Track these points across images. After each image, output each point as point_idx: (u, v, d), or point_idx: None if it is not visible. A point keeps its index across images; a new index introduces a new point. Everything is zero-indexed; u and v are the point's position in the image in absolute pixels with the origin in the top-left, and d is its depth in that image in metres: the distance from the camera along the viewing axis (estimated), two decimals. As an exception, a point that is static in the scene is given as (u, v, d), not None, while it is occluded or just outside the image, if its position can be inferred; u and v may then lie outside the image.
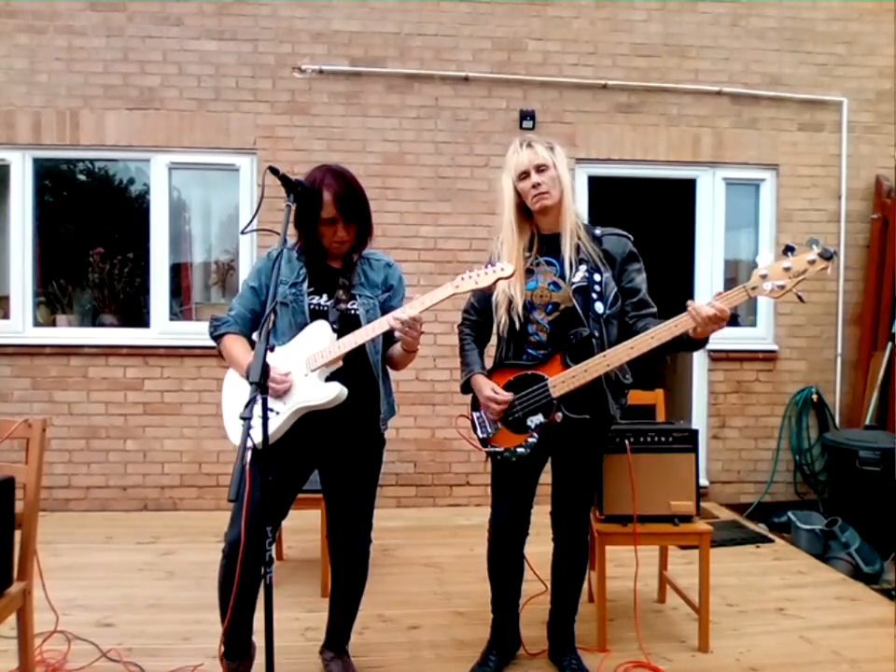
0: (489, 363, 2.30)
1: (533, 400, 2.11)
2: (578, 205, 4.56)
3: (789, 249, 1.83)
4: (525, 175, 2.14)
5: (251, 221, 2.06)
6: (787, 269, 1.83)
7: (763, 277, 1.85)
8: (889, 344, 4.52)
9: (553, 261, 2.17)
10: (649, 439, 2.52)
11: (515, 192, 2.17)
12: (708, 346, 4.88)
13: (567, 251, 2.13)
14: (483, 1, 4.46)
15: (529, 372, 2.13)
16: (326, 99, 4.41)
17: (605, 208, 4.98)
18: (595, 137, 4.58)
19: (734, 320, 4.86)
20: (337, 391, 1.95)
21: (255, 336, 2.18)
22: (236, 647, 2.05)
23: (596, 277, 2.12)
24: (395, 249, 4.26)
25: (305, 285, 2.08)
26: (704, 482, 4.59)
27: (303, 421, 1.99)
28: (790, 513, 4.08)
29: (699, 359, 4.73)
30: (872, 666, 2.40)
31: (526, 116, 4.49)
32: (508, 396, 2.12)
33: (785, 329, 4.75)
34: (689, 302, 1.92)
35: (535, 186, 2.12)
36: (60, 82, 4.27)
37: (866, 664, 2.41)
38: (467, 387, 2.26)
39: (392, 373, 2.28)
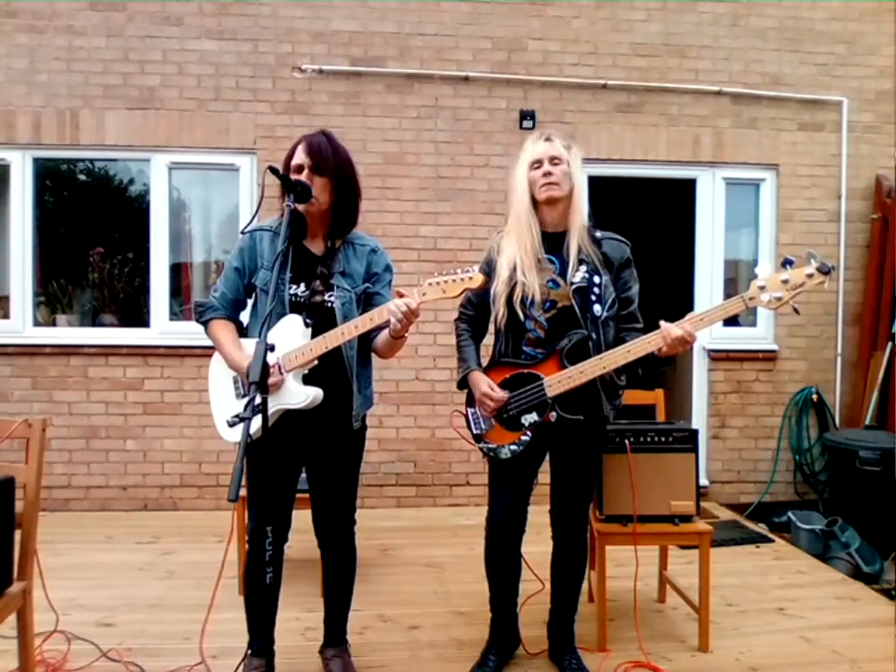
0: (485, 360, 2.30)
1: (528, 399, 2.12)
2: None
3: (787, 262, 1.87)
4: (538, 164, 2.15)
5: (251, 221, 2.07)
6: (785, 281, 1.87)
7: (762, 289, 1.90)
8: (889, 344, 4.52)
9: (553, 259, 2.17)
10: (649, 439, 2.52)
11: (528, 183, 2.17)
12: (708, 346, 4.92)
13: (573, 250, 2.14)
14: (483, 1, 4.46)
15: (525, 371, 2.14)
16: (326, 99, 4.41)
17: (605, 208, 4.97)
18: (595, 137, 4.58)
19: (734, 320, 4.87)
20: (313, 394, 1.95)
21: (242, 316, 2.17)
22: (260, 641, 2.07)
23: (596, 279, 2.13)
24: (395, 249, 4.26)
25: (288, 273, 2.04)
26: (704, 482, 4.59)
27: (280, 421, 1.99)
28: (790, 513, 4.08)
29: (699, 359, 4.73)
30: (872, 666, 2.40)
31: (526, 116, 4.49)
32: (503, 394, 2.13)
33: (785, 329, 4.75)
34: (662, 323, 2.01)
35: (546, 174, 2.12)
36: (60, 82, 4.27)
37: (866, 664, 2.41)
38: (463, 383, 2.26)
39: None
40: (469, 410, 2.25)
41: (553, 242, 2.19)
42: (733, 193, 4.78)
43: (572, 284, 2.12)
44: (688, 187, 4.77)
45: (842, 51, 4.75)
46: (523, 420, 2.13)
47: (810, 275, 1.84)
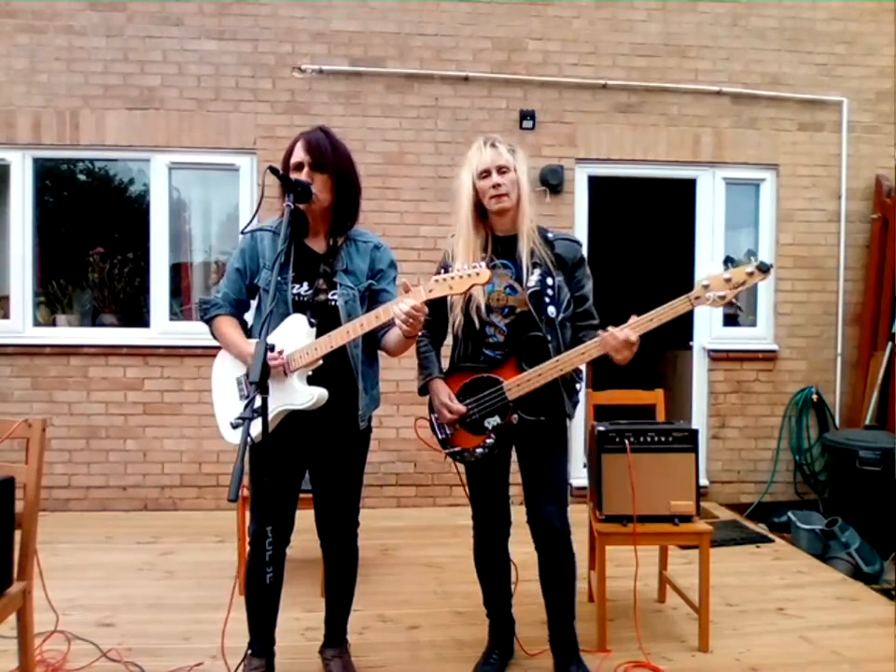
0: (445, 363, 2.30)
1: (489, 403, 2.13)
2: (577, 205, 4.60)
3: (729, 261, 1.97)
4: (486, 173, 2.14)
5: (251, 221, 2.06)
6: (727, 280, 1.94)
7: (706, 287, 1.96)
8: (889, 344, 4.52)
9: (509, 264, 2.17)
10: (649, 439, 2.52)
11: (474, 190, 2.17)
12: (708, 346, 4.92)
13: (525, 255, 2.14)
14: (483, 1, 4.46)
15: (485, 375, 2.15)
16: (326, 99, 4.42)
17: (605, 208, 4.98)
18: (595, 137, 4.58)
19: (734, 319, 4.87)
20: (318, 394, 1.93)
21: (247, 317, 2.17)
22: (260, 641, 2.07)
23: (549, 281, 2.14)
24: (395, 249, 4.18)
25: (290, 273, 2.03)
26: (704, 482, 4.59)
27: (285, 422, 1.99)
28: (790, 513, 4.08)
29: (699, 359, 4.73)
30: (872, 666, 2.40)
31: (526, 116, 4.49)
32: (461, 408, 2.14)
33: (785, 329, 4.74)
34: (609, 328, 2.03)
35: (495, 186, 2.13)
36: (60, 82, 4.27)
37: (866, 664, 2.41)
38: (424, 390, 2.27)
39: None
40: (432, 416, 2.26)
41: (506, 245, 2.19)
42: (733, 193, 4.78)
43: (528, 288, 2.12)
44: (688, 187, 4.77)
45: (842, 51, 4.75)
46: (486, 424, 2.14)
47: (750, 273, 1.92)
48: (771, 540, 3.85)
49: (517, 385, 2.09)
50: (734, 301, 1.98)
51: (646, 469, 2.48)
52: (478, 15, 4.46)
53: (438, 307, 2.20)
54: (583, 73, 4.55)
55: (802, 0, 4.71)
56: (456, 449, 2.19)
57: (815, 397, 4.70)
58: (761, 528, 4.18)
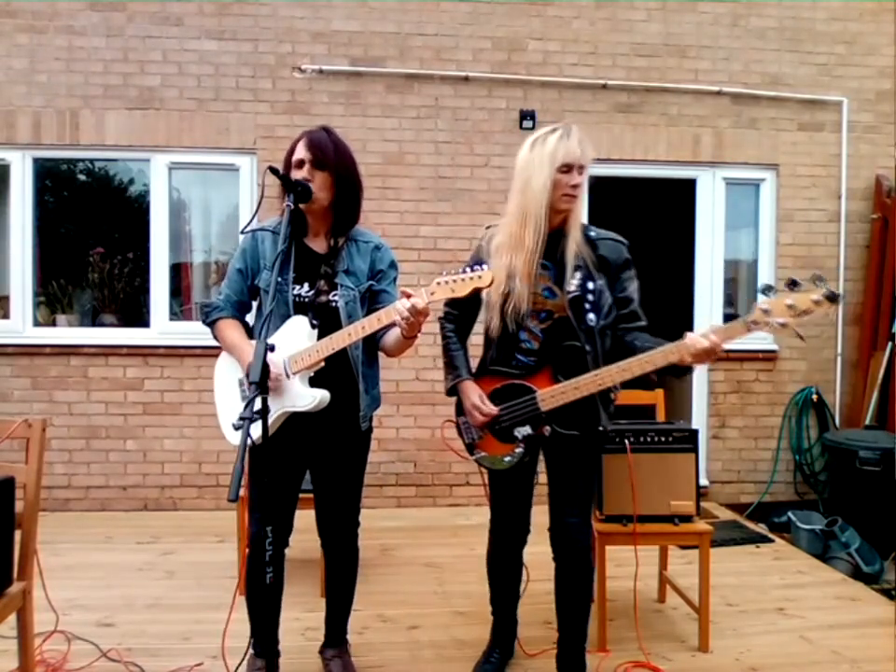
0: (474, 362, 2.21)
1: (521, 412, 2.04)
2: (577, 205, 4.59)
3: (793, 283, 1.74)
4: (568, 168, 1.96)
5: (251, 221, 2.06)
6: (790, 306, 1.74)
7: (766, 312, 1.77)
8: (889, 344, 4.52)
9: (548, 264, 2.04)
10: (649, 439, 2.52)
11: (552, 184, 1.97)
12: (708, 346, 4.85)
13: (569, 256, 2.01)
14: (483, 1, 4.46)
15: (517, 382, 2.06)
16: (326, 99, 4.41)
17: (605, 208, 4.97)
18: (595, 137, 4.56)
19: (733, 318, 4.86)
20: (320, 396, 1.93)
21: (248, 318, 2.17)
22: (262, 642, 2.09)
23: (590, 285, 2.01)
24: (395, 249, 4.18)
25: (290, 273, 2.02)
26: (704, 482, 4.59)
27: (287, 423, 1.98)
28: (790, 513, 4.08)
29: (699, 359, 4.72)
30: (872, 666, 2.40)
31: (526, 116, 4.49)
32: (493, 409, 2.05)
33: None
34: (687, 334, 1.86)
35: (574, 186, 1.98)
36: (60, 82, 4.27)
37: (866, 664, 2.41)
38: (453, 390, 2.18)
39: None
40: (459, 419, 2.19)
41: (549, 244, 2.03)
42: (733, 193, 4.78)
43: (568, 293, 1.99)
44: (688, 187, 4.77)
45: (842, 51, 4.75)
46: (516, 433, 2.05)
47: (817, 302, 1.71)
48: (771, 540, 3.85)
49: (551, 396, 1.98)
50: (796, 329, 1.76)
51: (646, 468, 2.48)
52: (478, 15, 4.46)
53: (466, 301, 1.99)
54: (583, 73, 4.55)
55: (802, 0, 4.71)
56: (483, 454, 2.12)
57: (815, 397, 4.70)
58: (761, 528, 4.18)
